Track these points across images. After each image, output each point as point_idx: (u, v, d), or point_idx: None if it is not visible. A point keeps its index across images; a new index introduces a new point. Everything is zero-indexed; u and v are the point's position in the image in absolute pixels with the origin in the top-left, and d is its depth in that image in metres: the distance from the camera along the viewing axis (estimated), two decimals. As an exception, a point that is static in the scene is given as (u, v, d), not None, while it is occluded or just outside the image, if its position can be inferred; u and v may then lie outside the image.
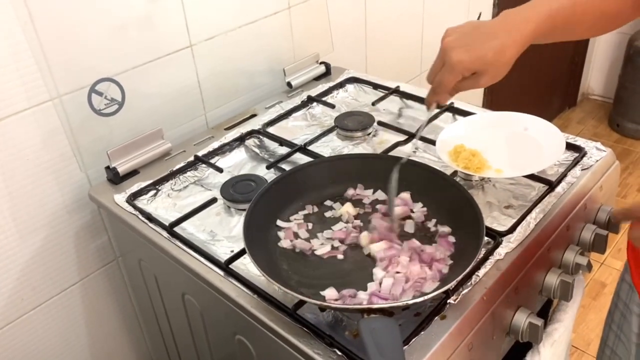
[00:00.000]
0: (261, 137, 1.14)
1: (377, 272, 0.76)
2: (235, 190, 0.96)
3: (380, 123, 1.15)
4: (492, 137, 0.97)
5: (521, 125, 0.98)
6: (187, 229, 0.91)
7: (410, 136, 1.09)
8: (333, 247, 0.82)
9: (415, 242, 0.80)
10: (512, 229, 0.83)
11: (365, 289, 0.74)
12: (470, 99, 1.28)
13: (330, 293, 0.74)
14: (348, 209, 0.87)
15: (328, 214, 0.88)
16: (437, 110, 0.82)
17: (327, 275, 0.78)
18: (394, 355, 0.61)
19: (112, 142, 1.04)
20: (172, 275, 0.91)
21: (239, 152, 1.11)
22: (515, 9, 0.76)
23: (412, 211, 0.86)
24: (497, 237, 0.82)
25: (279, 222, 0.86)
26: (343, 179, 0.92)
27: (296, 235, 0.84)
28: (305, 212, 0.88)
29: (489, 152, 0.93)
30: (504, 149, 0.95)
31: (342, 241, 0.83)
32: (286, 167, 1.03)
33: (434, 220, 0.85)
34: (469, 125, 1.01)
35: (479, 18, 0.81)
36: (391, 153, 1.03)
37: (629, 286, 0.84)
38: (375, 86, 1.29)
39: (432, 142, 1.06)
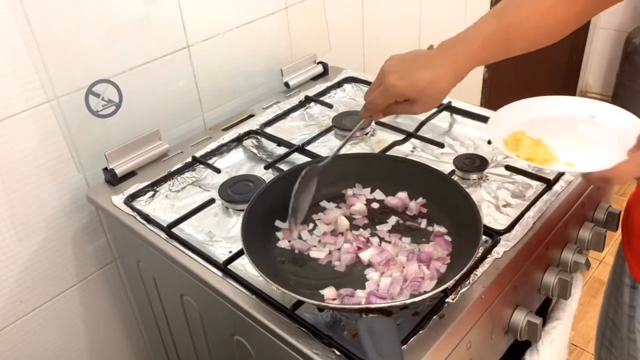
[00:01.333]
0: (259, 137, 1.14)
1: (371, 274, 0.76)
2: (233, 191, 0.96)
3: (378, 122, 1.14)
4: (555, 126, 0.83)
5: (587, 112, 0.85)
6: (185, 229, 0.91)
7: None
8: (330, 252, 0.81)
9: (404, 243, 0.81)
10: (510, 228, 0.84)
11: (363, 288, 0.74)
12: (467, 97, 1.28)
13: (328, 292, 0.74)
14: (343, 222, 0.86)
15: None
16: (367, 125, 0.85)
17: (326, 275, 0.78)
18: (392, 354, 0.61)
19: (109, 144, 1.04)
20: (171, 276, 0.91)
21: (237, 153, 1.11)
22: (452, 39, 0.78)
23: (407, 207, 0.87)
24: (495, 235, 0.82)
25: (278, 223, 0.86)
26: (341, 179, 0.92)
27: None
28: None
29: (554, 143, 0.79)
30: (570, 139, 0.81)
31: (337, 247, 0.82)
32: (284, 167, 1.03)
33: (431, 220, 0.85)
34: (524, 110, 0.87)
35: (429, 48, 0.82)
36: (389, 152, 1.03)
37: (622, 259, 0.88)
38: (373, 86, 1.29)
39: (430, 142, 1.06)
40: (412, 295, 0.72)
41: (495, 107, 1.20)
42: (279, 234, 0.84)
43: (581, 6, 0.77)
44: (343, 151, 1.07)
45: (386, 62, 0.79)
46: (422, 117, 1.14)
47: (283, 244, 0.83)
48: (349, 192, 0.91)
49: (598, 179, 0.71)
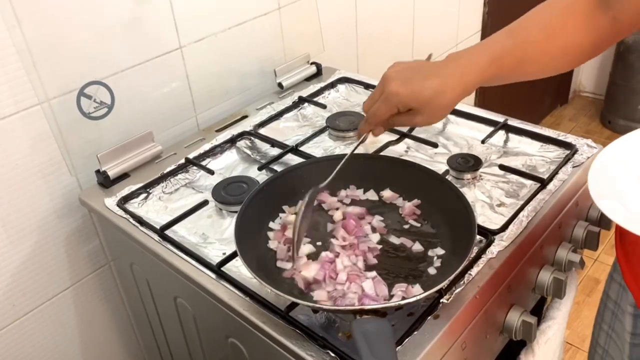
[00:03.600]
0: (252, 138, 1.13)
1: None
2: (227, 192, 0.96)
3: (371, 123, 1.14)
4: None
5: None
6: (178, 232, 0.91)
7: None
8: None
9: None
10: (504, 227, 0.83)
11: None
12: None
13: (319, 293, 0.73)
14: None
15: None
16: (368, 140, 0.80)
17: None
18: (386, 356, 0.61)
19: (102, 146, 1.03)
20: (164, 278, 0.90)
21: (231, 154, 1.11)
22: (462, 51, 0.74)
23: (398, 205, 0.87)
24: (489, 235, 0.82)
25: (271, 225, 0.85)
26: (334, 180, 0.91)
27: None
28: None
29: None
30: None
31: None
32: (278, 168, 1.02)
33: (425, 220, 0.85)
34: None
35: (428, 59, 0.79)
36: (383, 152, 1.03)
37: (618, 285, 0.84)
38: (367, 86, 1.29)
39: (424, 142, 1.06)
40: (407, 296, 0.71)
41: (489, 106, 1.20)
42: (271, 234, 0.84)
43: (595, 35, 0.73)
44: (337, 151, 1.08)
45: (389, 69, 0.75)
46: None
47: (273, 244, 0.82)
48: (342, 193, 0.90)
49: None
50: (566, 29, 0.73)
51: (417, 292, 0.71)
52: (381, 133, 0.79)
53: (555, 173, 0.94)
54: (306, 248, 0.80)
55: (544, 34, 0.73)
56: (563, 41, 0.74)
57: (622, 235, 0.81)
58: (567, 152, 0.99)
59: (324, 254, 0.78)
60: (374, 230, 0.83)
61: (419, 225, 0.84)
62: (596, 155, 0.69)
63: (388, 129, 0.79)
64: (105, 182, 1.01)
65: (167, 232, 0.89)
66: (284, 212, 0.87)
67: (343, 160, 0.81)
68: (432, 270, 0.76)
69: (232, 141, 1.12)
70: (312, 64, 1.36)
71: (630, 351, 0.82)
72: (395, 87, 0.72)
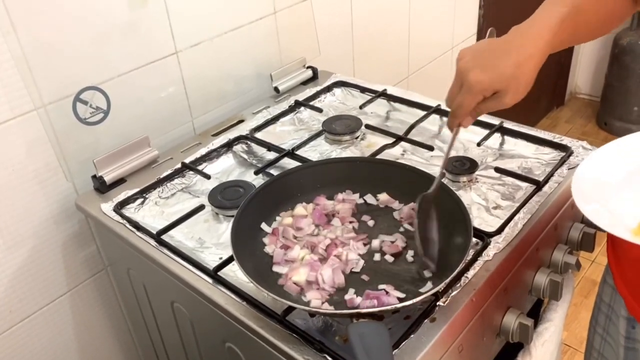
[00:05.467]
0: (249, 142, 1.13)
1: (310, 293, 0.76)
2: (224, 197, 0.96)
3: (367, 126, 1.15)
4: None
5: None
6: (175, 236, 0.91)
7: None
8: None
9: None
10: (500, 230, 0.84)
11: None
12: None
13: (311, 294, 0.73)
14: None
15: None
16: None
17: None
18: (383, 359, 0.61)
19: (98, 151, 1.03)
20: (161, 283, 0.90)
21: (227, 158, 1.11)
22: (525, 24, 0.73)
23: (394, 209, 0.87)
24: (485, 238, 0.82)
25: (263, 226, 0.85)
26: (331, 184, 0.91)
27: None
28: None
29: None
30: None
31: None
32: (274, 172, 1.02)
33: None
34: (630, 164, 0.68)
35: (488, 36, 0.78)
36: (379, 156, 1.03)
37: (611, 289, 0.84)
38: (363, 89, 1.29)
39: (420, 145, 1.06)
40: (403, 299, 0.71)
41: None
42: (266, 240, 0.84)
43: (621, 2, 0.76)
44: (334, 155, 1.08)
45: (459, 60, 0.73)
46: (411, 120, 1.14)
47: (269, 249, 0.82)
48: (339, 196, 0.90)
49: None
50: None
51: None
52: (470, 123, 0.78)
53: (550, 175, 0.94)
54: (302, 252, 0.80)
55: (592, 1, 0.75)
56: (611, 7, 0.76)
57: (613, 240, 0.81)
58: (563, 154, 0.99)
59: (308, 257, 0.79)
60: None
61: (413, 229, 0.84)
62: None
63: (476, 118, 0.78)
64: (102, 187, 1.01)
65: (164, 237, 0.89)
66: (280, 216, 0.88)
67: (444, 162, 0.80)
68: (427, 273, 0.76)
69: (228, 145, 1.12)
70: (308, 67, 1.36)
71: (625, 354, 0.82)
72: (475, 75, 0.70)
